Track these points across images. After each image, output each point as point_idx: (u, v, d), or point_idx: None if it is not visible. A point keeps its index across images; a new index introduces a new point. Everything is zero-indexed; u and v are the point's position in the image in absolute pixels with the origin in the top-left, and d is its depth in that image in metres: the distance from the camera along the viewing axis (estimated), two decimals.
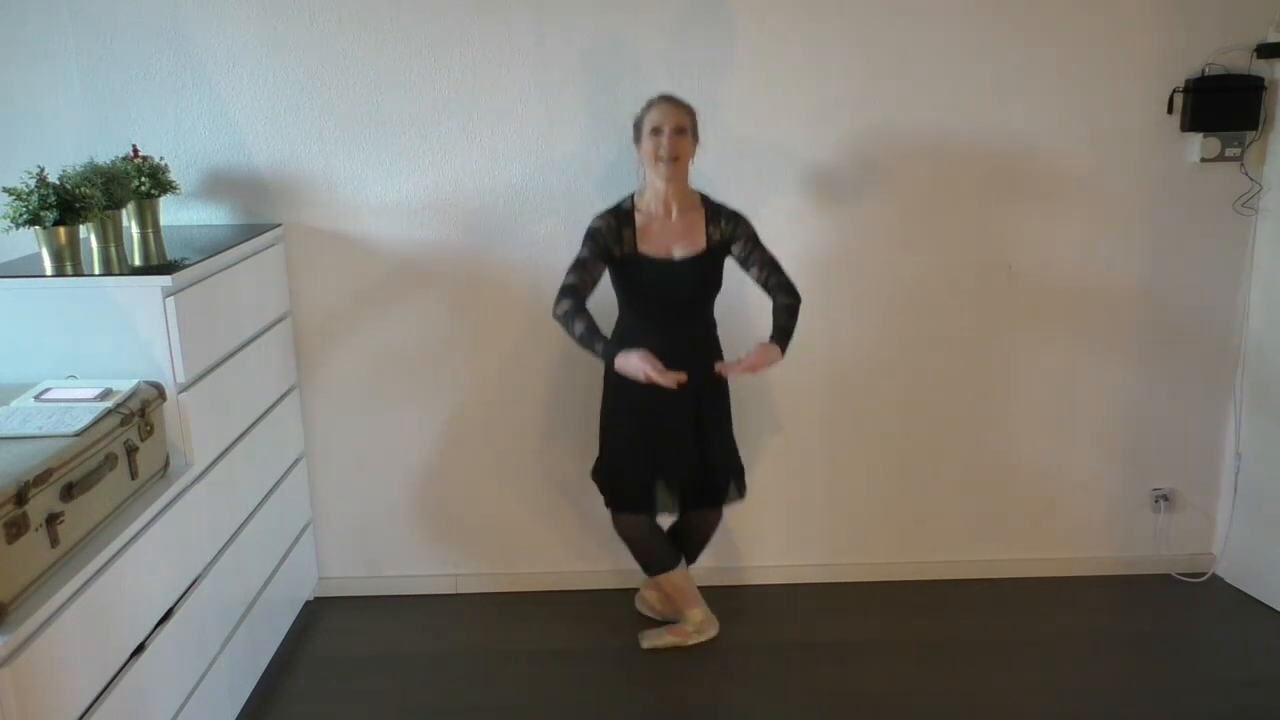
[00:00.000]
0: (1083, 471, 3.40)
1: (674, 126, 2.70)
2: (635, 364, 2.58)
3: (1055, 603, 3.31)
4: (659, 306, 2.82)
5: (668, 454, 2.88)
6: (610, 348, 2.64)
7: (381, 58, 2.99)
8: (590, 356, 2.69)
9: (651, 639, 3.08)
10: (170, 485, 2.27)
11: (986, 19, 3.02)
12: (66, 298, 2.30)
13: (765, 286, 2.84)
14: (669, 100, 2.75)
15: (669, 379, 2.57)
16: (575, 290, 2.69)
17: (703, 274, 2.81)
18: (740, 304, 3.06)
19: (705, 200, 2.84)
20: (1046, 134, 3.11)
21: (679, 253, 2.78)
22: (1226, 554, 3.41)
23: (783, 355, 2.76)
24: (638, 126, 2.77)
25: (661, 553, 3.01)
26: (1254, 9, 3.05)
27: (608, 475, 2.97)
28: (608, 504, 2.99)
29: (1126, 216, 3.19)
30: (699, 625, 3.08)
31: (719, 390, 2.93)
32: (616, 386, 2.82)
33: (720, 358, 2.90)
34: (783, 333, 2.78)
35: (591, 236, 2.78)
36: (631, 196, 2.83)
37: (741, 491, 3.00)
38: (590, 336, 2.64)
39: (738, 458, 3.00)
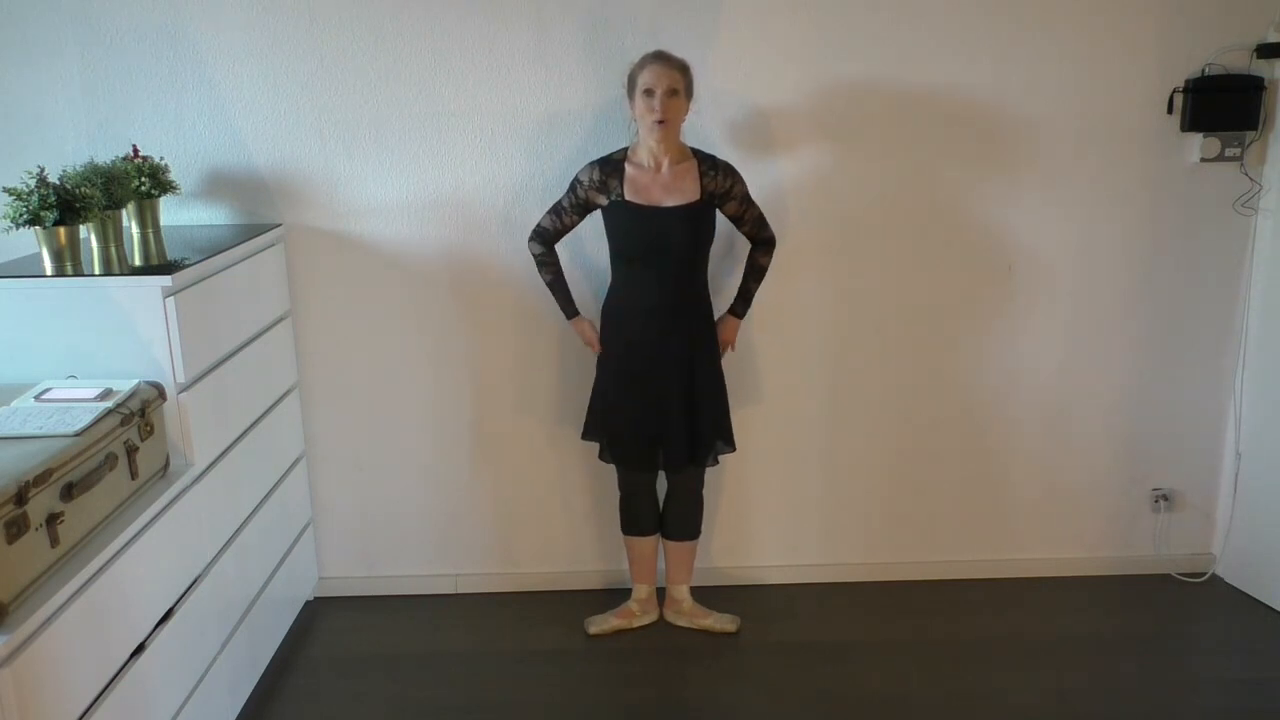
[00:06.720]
0: (1083, 471, 3.40)
1: (666, 89, 2.73)
2: (585, 333, 2.98)
3: (1055, 603, 3.30)
4: (648, 257, 2.83)
5: (657, 414, 2.91)
6: (570, 310, 2.98)
7: (381, 58, 2.99)
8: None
9: (598, 624, 3.11)
10: (170, 485, 2.27)
11: (986, 19, 3.03)
12: (66, 298, 2.30)
13: (753, 240, 2.96)
14: (662, 60, 2.76)
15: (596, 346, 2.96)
16: (547, 234, 2.94)
17: (692, 223, 2.83)
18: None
19: (697, 153, 2.87)
20: (1047, 134, 3.11)
21: (668, 201, 2.81)
22: (1226, 554, 3.41)
23: (742, 317, 3.02)
24: (631, 82, 2.79)
25: (639, 515, 3.08)
26: (1254, 9, 3.05)
27: (603, 430, 3.00)
28: (602, 456, 3.06)
29: (1126, 216, 3.19)
30: (642, 604, 3.14)
31: (710, 354, 2.95)
32: (609, 348, 2.94)
33: (712, 324, 2.95)
34: (744, 298, 3.00)
35: (573, 188, 2.87)
36: (626, 149, 2.88)
37: (729, 446, 3.03)
38: (555, 291, 2.97)
39: (728, 422, 3.01)
